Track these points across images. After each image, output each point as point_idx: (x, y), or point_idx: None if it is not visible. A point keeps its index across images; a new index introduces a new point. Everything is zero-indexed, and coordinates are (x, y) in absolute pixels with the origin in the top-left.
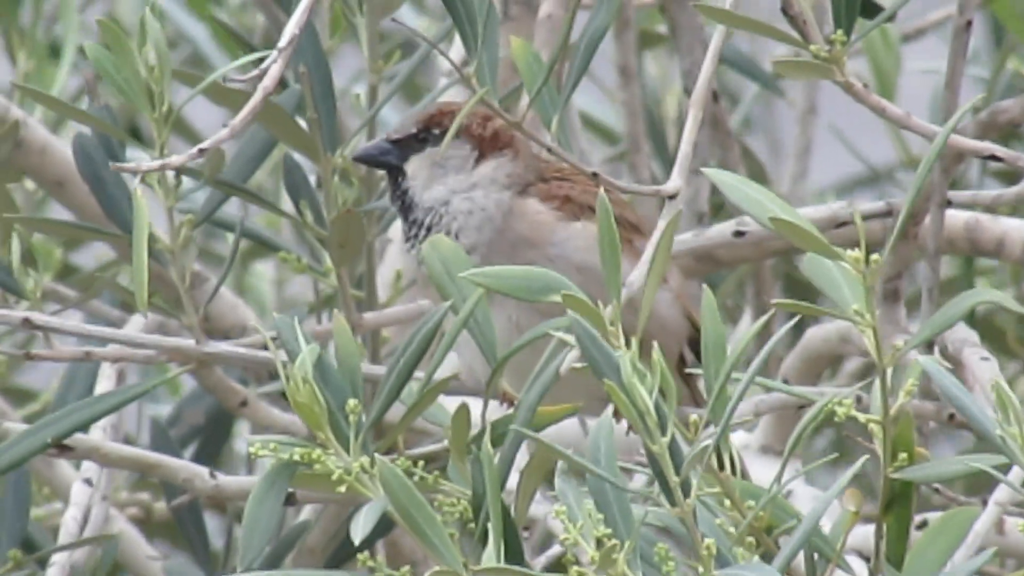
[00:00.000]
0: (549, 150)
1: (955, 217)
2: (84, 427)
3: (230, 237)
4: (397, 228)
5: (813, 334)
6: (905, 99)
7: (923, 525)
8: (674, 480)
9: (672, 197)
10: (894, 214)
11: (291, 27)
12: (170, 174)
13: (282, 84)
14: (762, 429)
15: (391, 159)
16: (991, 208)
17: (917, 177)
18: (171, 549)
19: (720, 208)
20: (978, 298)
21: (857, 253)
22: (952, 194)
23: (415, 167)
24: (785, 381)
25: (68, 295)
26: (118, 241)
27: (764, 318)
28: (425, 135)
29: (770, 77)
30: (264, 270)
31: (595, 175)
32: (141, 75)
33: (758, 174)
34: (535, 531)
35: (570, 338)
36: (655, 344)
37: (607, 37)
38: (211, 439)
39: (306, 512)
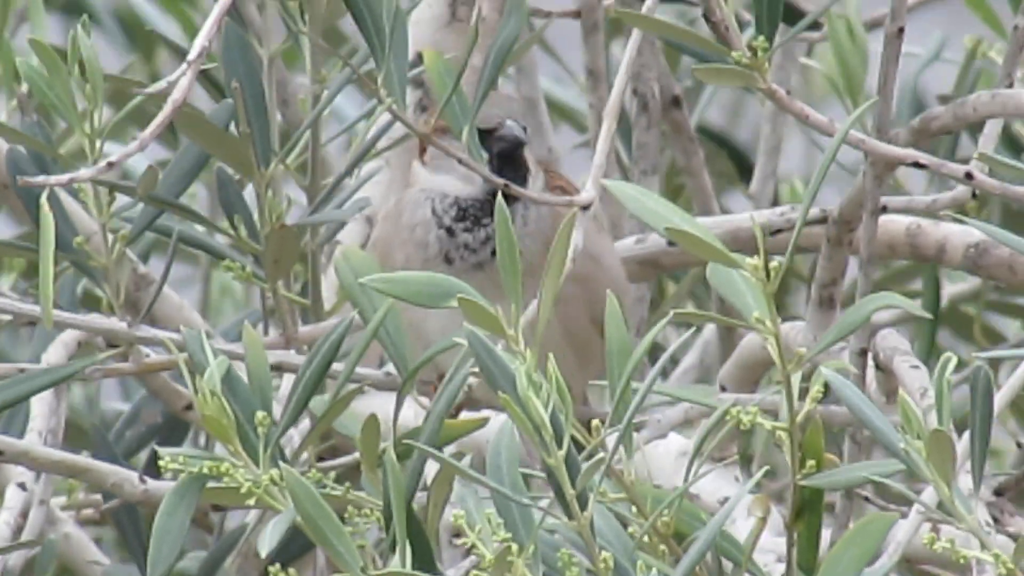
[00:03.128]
0: (460, 160)
1: (896, 222)
2: (8, 406)
3: None
4: (344, 231)
5: (750, 341)
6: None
7: None
8: (570, 493)
9: (585, 208)
10: (830, 221)
11: (200, 40)
12: (103, 190)
13: (220, 93)
14: (701, 435)
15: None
16: (928, 213)
17: (810, 187)
18: (124, 552)
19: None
20: (880, 303)
21: (756, 261)
22: (887, 200)
23: (530, 160)
24: (723, 388)
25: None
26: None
27: (662, 324)
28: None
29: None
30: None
31: (506, 184)
32: (72, 93)
33: (728, 173)
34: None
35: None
36: (550, 356)
37: (576, 35)
38: (168, 439)
39: (251, 515)
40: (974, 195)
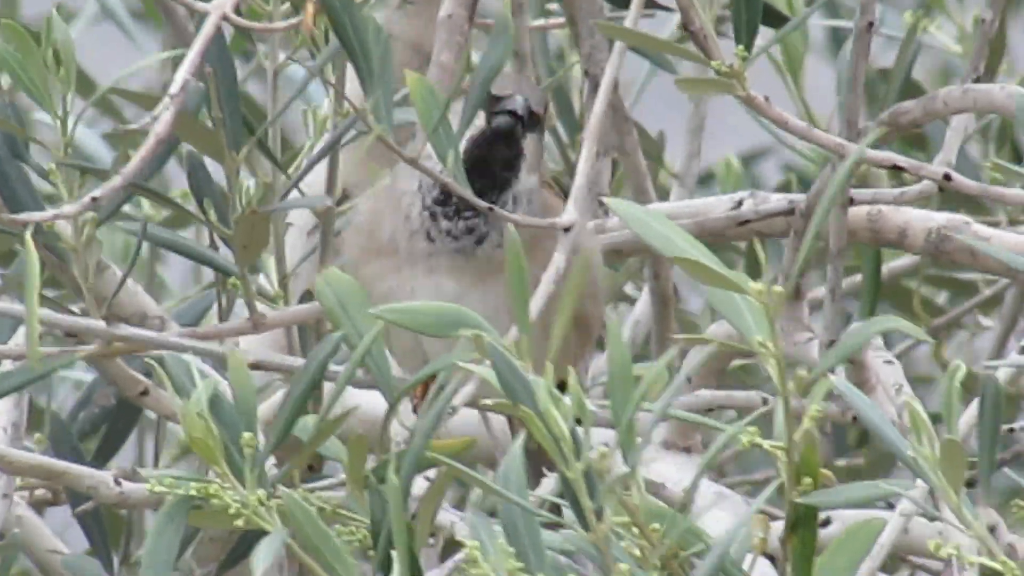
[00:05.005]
0: (445, 184)
1: (857, 208)
2: None
3: None
4: (296, 212)
5: (715, 331)
6: (821, 95)
7: (827, 523)
8: (588, 506)
9: (567, 230)
10: (796, 212)
11: (183, 72)
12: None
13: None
14: (664, 425)
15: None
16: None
17: (819, 211)
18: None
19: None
20: (882, 326)
21: (760, 285)
22: (854, 192)
23: (527, 147)
24: (688, 379)
25: None
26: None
27: (668, 355)
28: (537, 118)
29: (663, 56)
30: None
31: (491, 208)
32: (47, 76)
33: (654, 154)
34: (439, 539)
35: (476, 368)
36: (571, 371)
37: None
38: (121, 421)
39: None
40: (940, 188)
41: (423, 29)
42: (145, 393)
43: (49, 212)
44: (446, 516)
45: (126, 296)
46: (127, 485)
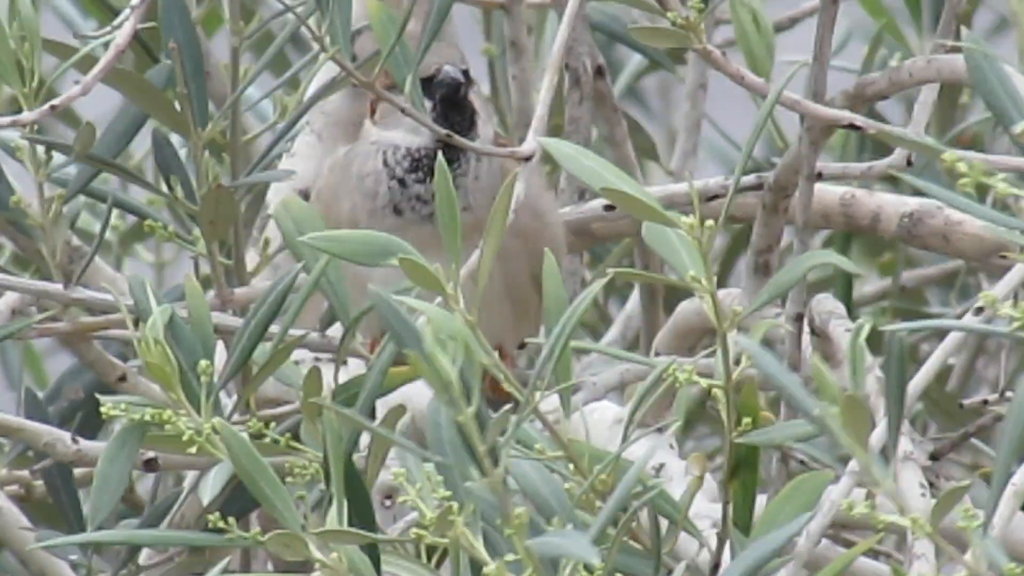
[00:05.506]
0: (403, 110)
1: (830, 192)
2: None
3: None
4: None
5: (685, 307)
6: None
7: None
8: (480, 449)
9: (527, 159)
10: (766, 187)
11: None
12: (40, 148)
13: (154, 59)
14: (638, 396)
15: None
16: (863, 180)
17: (746, 146)
18: (50, 527)
19: None
20: (814, 260)
21: (692, 219)
22: (822, 166)
23: (475, 102)
24: (657, 354)
25: None
26: None
27: (600, 282)
28: (467, 74)
29: (659, 52)
30: (144, 253)
31: (448, 135)
32: (10, 49)
33: (647, 149)
34: (396, 500)
35: (418, 303)
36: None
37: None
38: (91, 414)
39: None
40: (909, 162)
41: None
42: (123, 379)
43: (7, 118)
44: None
45: (99, 277)
46: (84, 443)
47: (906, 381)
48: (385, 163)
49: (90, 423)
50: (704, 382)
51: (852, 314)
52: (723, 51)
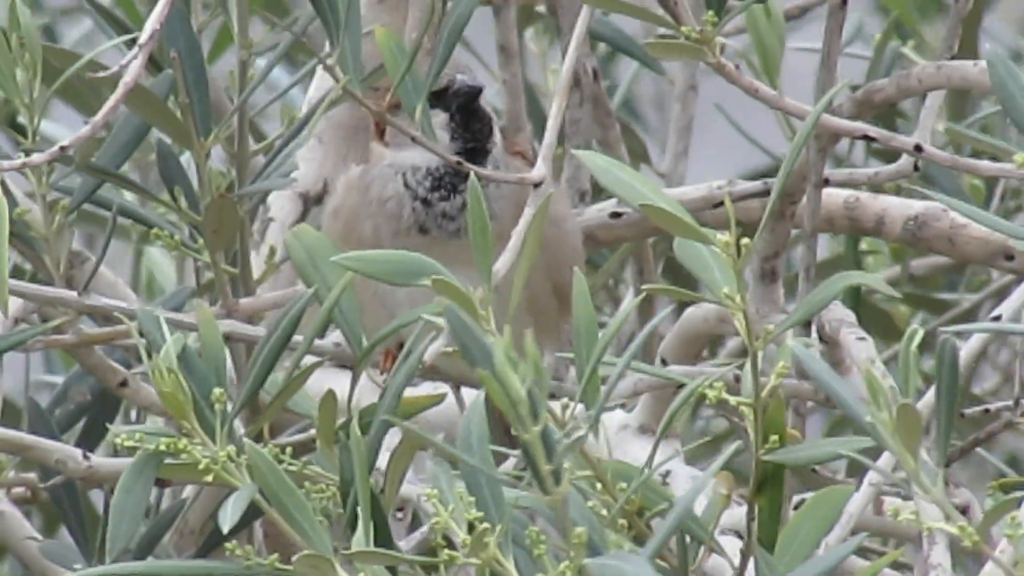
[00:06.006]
0: (413, 139)
1: (835, 195)
2: None
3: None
4: (278, 207)
5: (691, 314)
6: (790, 77)
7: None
8: (546, 469)
9: (537, 185)
10: (771, 193)
11: (151, 23)
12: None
13: (157, 67)
14: (640, 409)
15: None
16: (870, 186)
17: (787, 158)
18: (55, 530)
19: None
20: (850, 280)
21: (727, 236)
22: (829, 172)
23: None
24: (663, 361)
25: None
26: None
27: (635, 300)
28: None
29: (649, 55)
30: (160, 259)
31: (459, 163)
32: (12, 60)
33: (639, 152)
34: (408, 512)
35: (440, 321)
36: (527, 332)
37: (487, 16)
38: (98, 417)
39: (187, 491)
40: (916, 167)
41: (401, 24)
42: (124, 384)
43: (17, 161)
44: (413, 489)
45: (105, 287)
46: (95, 459)
47: (958, 386)
48: (407, 185)
49: (96, 427)
50: (733, 400)
51: (862, 305)
52: (736, 65)
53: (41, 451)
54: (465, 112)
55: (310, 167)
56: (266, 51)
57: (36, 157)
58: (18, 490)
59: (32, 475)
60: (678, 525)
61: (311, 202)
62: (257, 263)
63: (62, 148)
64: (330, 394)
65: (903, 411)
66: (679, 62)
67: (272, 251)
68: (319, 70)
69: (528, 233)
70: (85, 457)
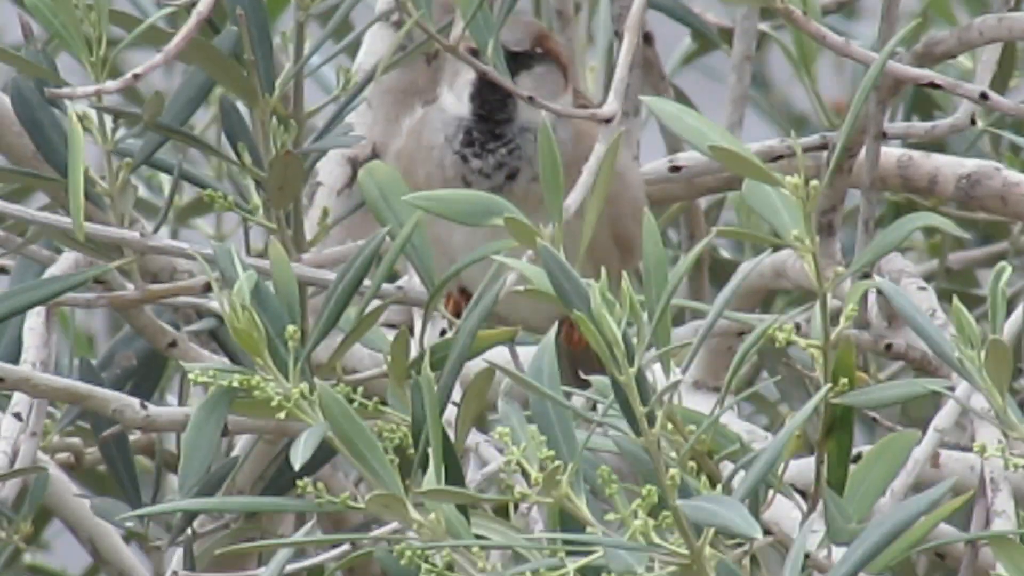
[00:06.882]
0: (485, 74)
1: (887, 155)
2: (18, 312)
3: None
4: (326, 172)
5: (747, 268)
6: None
7: (858, 459)
8: (640, 411)
9: (608, 120)
10: (829, 147)
11: None
12: (107, 118)
13: (215, 29)
14: (696, 364)
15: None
16: (925, 140)
17: (853, 107)
18: (100, 495)
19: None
20: (918, 223)
21: (796, 179)
22: (887, 126)
23: (523, 84)
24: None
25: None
26: (54, 186)
27: (704, 241)
28: (533, 53)
29: (705, 24)
30: (203, 226)
31: (531, 99)
32: (78, 19)
33: None
34: (468, 460)
35: (512, 261)
36: (624, 276)
37: None
38: (143, 382)
39: (236, 450)
40: (972, 121)
41: None
42: (173, 345)
43: (91, 87)
44: (472, 438)
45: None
46: (153, 408)
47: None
48: (446, 137)
49: (142, 391)
50: (802, 342)
51: None
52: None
53: (98, 400)
54: (483, 80)
55: (359, 132)
56: (321, 13)
57: (110, 84)
58: (62, 455)
59: (77, 440)
60: (768, 469)
61: (360, 166)
62: (308, 227)
63: (135, 75)
64: (403, 331)
65: (994, 347)
66: (738, 33)
67: (325, 212)
68: (367, 36)
69: (600, 168)
70: (143, 406)
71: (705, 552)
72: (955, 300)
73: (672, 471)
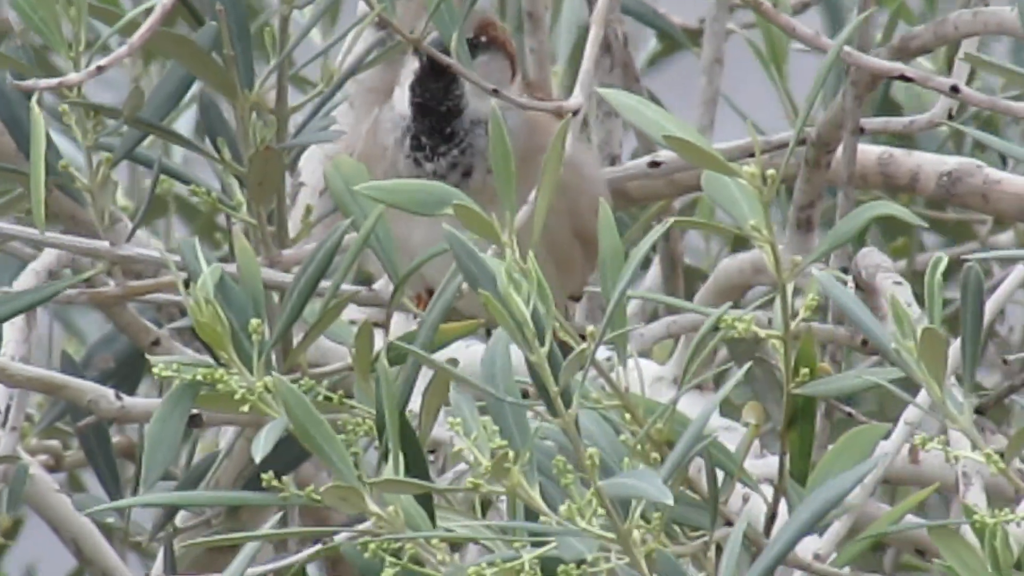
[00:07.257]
0: (450, 67)
1: (868, 152)
2: (19, 312)
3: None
4: (308, 171)
5: (727, 264)
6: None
7: None
8: (554, 390)
9: (575, 113)
10: (808, 143)
11: None
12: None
13: (199, 22)
14: (676, 361)
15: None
16: (904, 135)
17: (810, 94)
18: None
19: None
20: (876, 211)
21: (753, 168)
22: (864, 121)
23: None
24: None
25: None
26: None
27: (660, 228)
28: (477, 42)
29: (671, 25)
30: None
31: (495, 91)
32: (57, 14)
33: None
34: (440, 454)
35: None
36: (530, 253)
37: None
38: (122, 383)
39: (220, 444)
40: (950, 116)
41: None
42: (157, 343)
43: (54, 80)
44: (447, 433)
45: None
46: (128, 400)
47: (982, 313)
48: (395, 140)
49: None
50: (763, 332)
51: None
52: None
53: (73, 391)
54: (426, 71)
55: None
56: (304, 5)
57: (72, 76)
58: (42, 458)
59: (55, 442)
60: (693, 443)
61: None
62: (292, 226)
63: (99, 68)
64: (367, 324)
65: (927, 336)
66: (707, 34)
67: (308, 210)
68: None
69: (548, 156)
70: (118, 397)
71: (633, 535)
72: (891, 294)
73: (591, 450)
